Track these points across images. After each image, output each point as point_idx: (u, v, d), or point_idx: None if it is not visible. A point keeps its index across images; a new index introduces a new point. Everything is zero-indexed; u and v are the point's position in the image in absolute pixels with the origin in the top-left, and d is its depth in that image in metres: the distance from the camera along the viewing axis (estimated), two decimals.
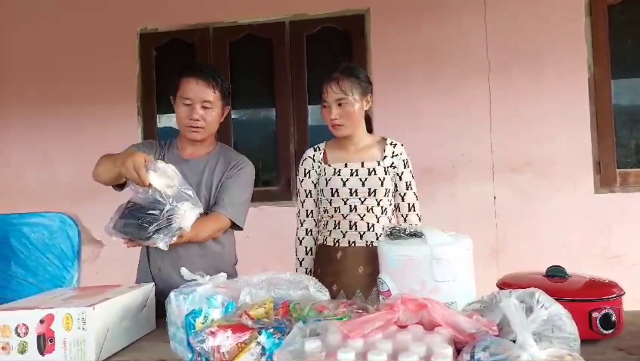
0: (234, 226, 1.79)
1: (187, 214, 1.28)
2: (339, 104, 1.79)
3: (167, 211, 1.26)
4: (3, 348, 1.11)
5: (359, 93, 1.80)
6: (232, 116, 3.71)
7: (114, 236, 1.29)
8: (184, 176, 1.75)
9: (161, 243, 1.25)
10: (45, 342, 1.10)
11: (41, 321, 1.11)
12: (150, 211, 1.27)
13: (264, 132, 3.83)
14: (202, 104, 1.72)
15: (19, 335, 1.11)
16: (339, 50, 3.61)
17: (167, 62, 3.69)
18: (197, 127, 1.73)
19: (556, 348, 0.81)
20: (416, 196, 1.90)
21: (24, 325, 1.11)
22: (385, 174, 1.83)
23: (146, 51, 3.72)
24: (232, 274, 1.69)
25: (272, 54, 3.63)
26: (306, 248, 1.92)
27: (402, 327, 0.94)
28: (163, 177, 1.28)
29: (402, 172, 1.87)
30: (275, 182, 3.67)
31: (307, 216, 1.94)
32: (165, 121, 3.73)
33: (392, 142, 1.89)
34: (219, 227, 1.70)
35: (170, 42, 3.71)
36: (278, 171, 3.66)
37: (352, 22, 3.51)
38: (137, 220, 1.26)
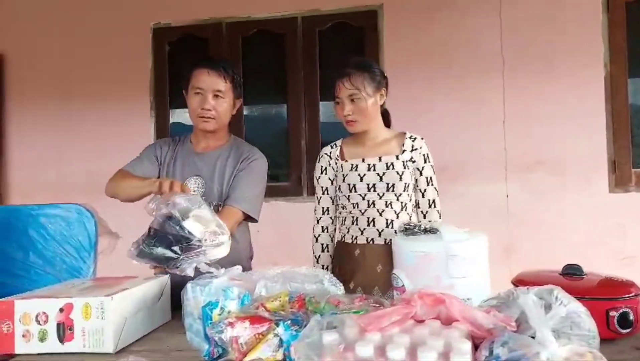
0: (249, 219, 1.79)
1: (214, 251, 1.28)
2: (352, 100, 1.76)
3: (197, 246, 1.25)
4: (24, 335, 1.12)
5: (372, 88, 1.77)
6: (244, 112, 3.72)
7: (139, 261, 1.28)
8: (197, 169, 1.78)
9: (189, 270, 1.25)
10: (64, 330, 1.12)
11: (61, 310, 1.12)
12: (180, 241, 1.24)
13: (276, 128, 3.84)
14: (213, 93, 1.73)
15: (39, 323, 1.12)
16: (351, 46, 3.61)
17: (180, 57, 3.71)
18: (209, 117, 1.75)
19: (576, 345, 0.81)
20: (437, 192, 1.85)
21: (44, 313, 1.12)
22: (404, 168, 1.79)
23: (159, 46, 3.75)
24: (247, 268, 1.70)
25: (284, 49, 3.63)
26: (322, 245, 1.91)
27: (419, 322, 0.94)
28: (201, 223, 1.27)
29: (423, 167, 1.83)
30: (286, 178, 3.68)
31: (323, 213, 1.92)
32: (177, 116, 3.75)
33: (411, 136, 1.85)
34: (233, 221, 1.70)
35: (183, 37, 3.73)
36: (289, 166, 3.66)
37: (365, 17, 3.50)
38: (166, 248, 1.24)
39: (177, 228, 1.23)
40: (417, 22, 3.42)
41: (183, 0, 3.69)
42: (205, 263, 1.23)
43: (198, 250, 1.24)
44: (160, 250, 1.24)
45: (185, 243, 1.23)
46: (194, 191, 1.74)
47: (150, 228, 1.27)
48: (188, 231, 1.23)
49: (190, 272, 1.24)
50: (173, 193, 1.36)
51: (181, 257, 1.22)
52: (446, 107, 3.36)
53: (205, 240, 1.25)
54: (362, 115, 1.78)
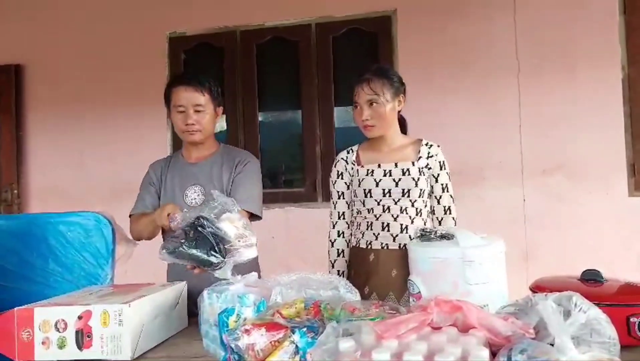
0: (253, 217, 1.84)
1: (246, 252, 1.30)
2: (370, 105, 1.78)
3: (232, 247, 1.28)
4: (43, 342, 1.14)
5: (391, 94, 1.79)
6: (259, 118, 3.75)
7: (174, 261, 1.30)
8: (194, 177, 1.85)
9: (228, 272, 1.28)
10: (83, 337, 1.13)
11: (79, 317, 1.13)
12: (218, 243, 1.27)
13: (290, 134, 3.86)
14: (194, 108, 1.82)
15: (58, 330, 1.14)
16: (365, 51, 3.61)
17: (196, 65, 3.75)
18: (194, 130, 1.83)
19: (597, 352, 0.80)
20: (452, 199, 1.86)
21: (63, 320, 1.14)
22: (420, 174, 1.80)
23: (175, 55, 3.80)
24: (255, 269, 1.73)
25: (298, 56, 3.65)
26: (338, 250, 1.91)
27: (436, 329, 0.94)
28: (233, 225, 1.30)
29: (438, 174, 1.84)
30: (300, 183, 3.69)
31: (339, 218, 1.93)
32: None
33: (427, 143, 1.87)
34: None
35: (199, 46, 3.77)
36: (303, 172, 3.67)
37: (378, 23, 3.51)
38: (208, 251, 1.26)
39: (214, 228, 1.25)
40: (431, 26, 3.41)
41: (198, 10, 3.73)
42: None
43: (233, 251, 1.26)
44: (201, 252, 1.25)
45: (223, 244, 1.26)
46: (194, 199, 1.82)
47: (186, 231, 1.28)
48: (224, 232, 1.26)
49: (228, 274, 1.26)
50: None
51: (224, 260, 1.25)
52: (461, 111, 3.34)
53: (239, 241, 1.28)
54: (380, 120, 1.80)
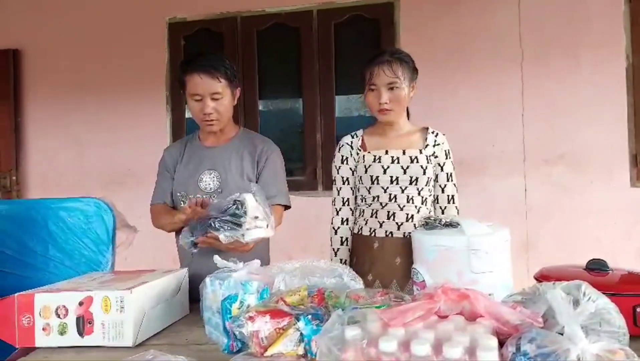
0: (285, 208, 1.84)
1: (253, 231, 1.37)
2: (390, 88, 1.73)
3: (240, 217, 1.36)
4: (44, 328, 1.13)
5: (408, 79, 1.75)
6: (259, 107, 3.72)
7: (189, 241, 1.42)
8: (211, 162, 1.80)
9: (222, 235, 1.35)
10: (84, 324, 1.12)
11: (80, 304, 1.12)
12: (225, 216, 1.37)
13: (291, 122, 3.83)
14: (211, 96, 1.73)
15: (59, 316, 1.12)
16: (367, 39, 3.58)
17: (196, 51, 3.70)
18: (212, 120, 1.75)
19: (607, 342, 0.79)
20: (456, 188, 1.84)
21: (64, 306, 1.13)
22: (427, 162, 1.77)
23: (175, 40, 3.75)
24: (264, 258, 1.71)
25: (299, 43, 3.61)
26: (341, 238, 1.87)
27: (442, 317, 0.92)
28: (257, 204, 1.38)
29: (444, 163, 1.81)
30: (301, 172, 3.67)
31: (344, 204, 1.88)
32: None
33: (434, 131, 1.83)
34: (278, 216, 1.75)
35: (199, 32, 3.73)
36: (304, 161, 3.65)
37: (381, 10, 3.47)
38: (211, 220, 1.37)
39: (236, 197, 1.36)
40: (433, 13, 3.38)
41: None
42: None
43: (240, 221, 1.35)
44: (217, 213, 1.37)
45: (241, 211, 1.35)
46: (209, 185, 1.77)
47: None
48: (243, 198, 1.36)
49: (222, 238, 1.35)
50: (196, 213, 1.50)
51: (221, 218, 1.34)
52: (463, 100, 3.32)
53: (255, 218, 1.36)
54: (398, 104, 1.75)
